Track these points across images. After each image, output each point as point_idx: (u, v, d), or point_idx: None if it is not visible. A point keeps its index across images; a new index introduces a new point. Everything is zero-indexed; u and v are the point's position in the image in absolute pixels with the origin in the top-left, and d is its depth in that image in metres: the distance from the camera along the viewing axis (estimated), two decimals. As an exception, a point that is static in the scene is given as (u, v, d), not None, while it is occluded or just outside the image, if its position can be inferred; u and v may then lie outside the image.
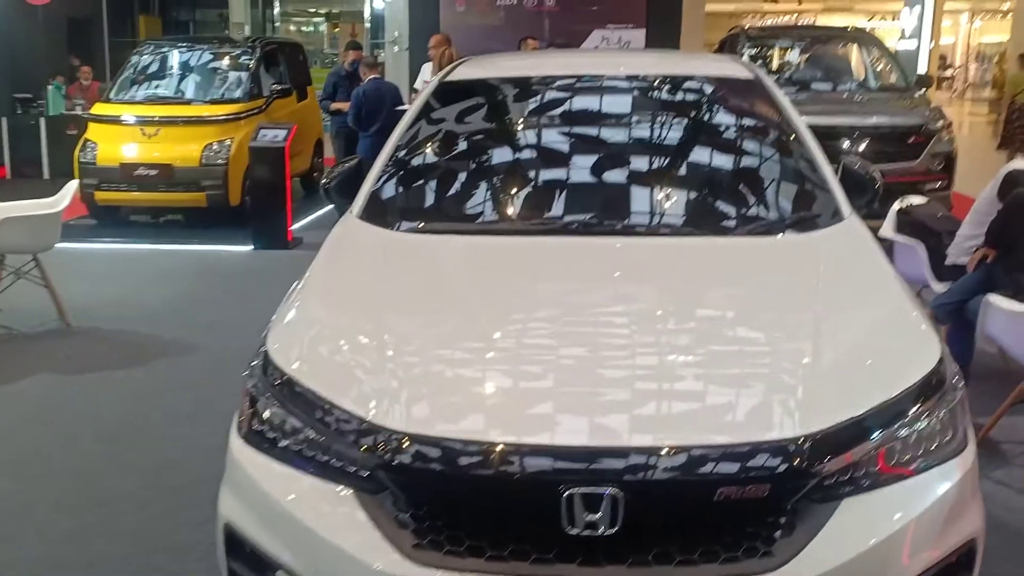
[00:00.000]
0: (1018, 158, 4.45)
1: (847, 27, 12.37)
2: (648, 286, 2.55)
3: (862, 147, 7.59)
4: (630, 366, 2.16)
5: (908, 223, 5.05)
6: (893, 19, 24.56)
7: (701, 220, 2.92)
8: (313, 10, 20.19)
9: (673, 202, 3.05)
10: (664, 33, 11.05)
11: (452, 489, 1.94)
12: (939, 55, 18.55)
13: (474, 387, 2.13)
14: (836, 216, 2.86)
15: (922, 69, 14.24)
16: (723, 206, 3.05)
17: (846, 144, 7.60)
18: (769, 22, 27.51)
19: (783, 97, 3.38)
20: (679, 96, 3.50)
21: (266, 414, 2.15)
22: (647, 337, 2.28)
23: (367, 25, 17.30)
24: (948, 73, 29.62)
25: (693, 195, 3.09)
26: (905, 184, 7.50)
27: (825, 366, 2.09)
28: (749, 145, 3.31)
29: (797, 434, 1.90)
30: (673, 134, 3.32)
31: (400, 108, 7.51)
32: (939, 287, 4.62)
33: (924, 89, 9.03)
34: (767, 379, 2.08)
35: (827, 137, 7.65)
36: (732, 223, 2.91)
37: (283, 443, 2.09)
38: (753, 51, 9.53)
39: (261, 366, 2.27)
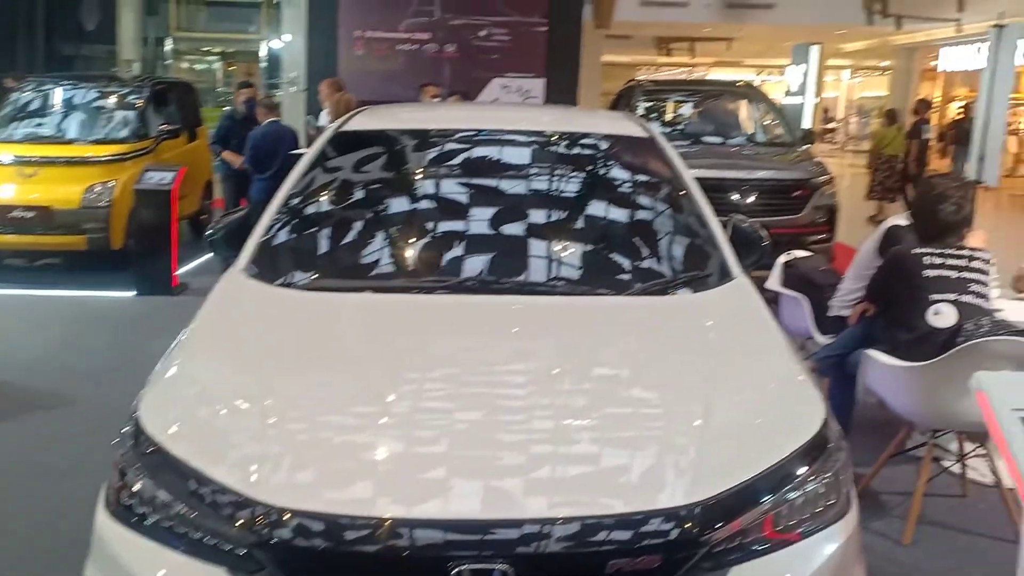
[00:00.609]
0: (898, 215, 4.64)
1: (737, 82, 12.86)
2: (542, 346, 2.53)
3: (750, 199, 7.85)
4: (524, 430, 2.12)
5: (793, 276, 5.20)
6: (780, 74, 25.77)
7: (595, 279, 2.92)
8: (207, 49, 19.82)
9: (568, 261, 3.05)
10: (563, 82, 11.27)
11: (336, 566, 1.85)
12: (823, 108, 19.59)
13: (361, 455, 2.05)
14: (726, 275, 2.92)
15: (807, 124, 14.94)
16: (617, 265, 3.07)
17: (735, 197, 7.85)
18: (664, 74, 28.53)
19: (676, 156, 3.46)
20: (575, 153, 3.54)
21: (136, 486, 2.02)
22: (540, 399, 2.25)
23: (262, 65, 17.06)
24: (831, 126, 31.22)
25: (588, 254, 3.10)
26: (790, 236, 7.80)
27: (716, 429, 2.11)
28: (643, 204, 3.36)
29: (690, 501, 1.90)
30: (569, 192, 3.35)
31: (296, 152, 7.38)
32: (822, 339, 4.76)
33: (808, 143, 9.45)
34: (660, 443, 2.08)
35: (717, 190, 7.96)
36: (626, 282, 2.93)
37: (153, 518, 1.96)
38: (648, 104, 9.81)
39: (132, 433, 2.14)
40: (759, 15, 15.65)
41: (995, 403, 2.04)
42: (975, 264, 3.79)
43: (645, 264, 3.07)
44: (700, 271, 2.99)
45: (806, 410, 2.24)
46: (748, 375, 2.39)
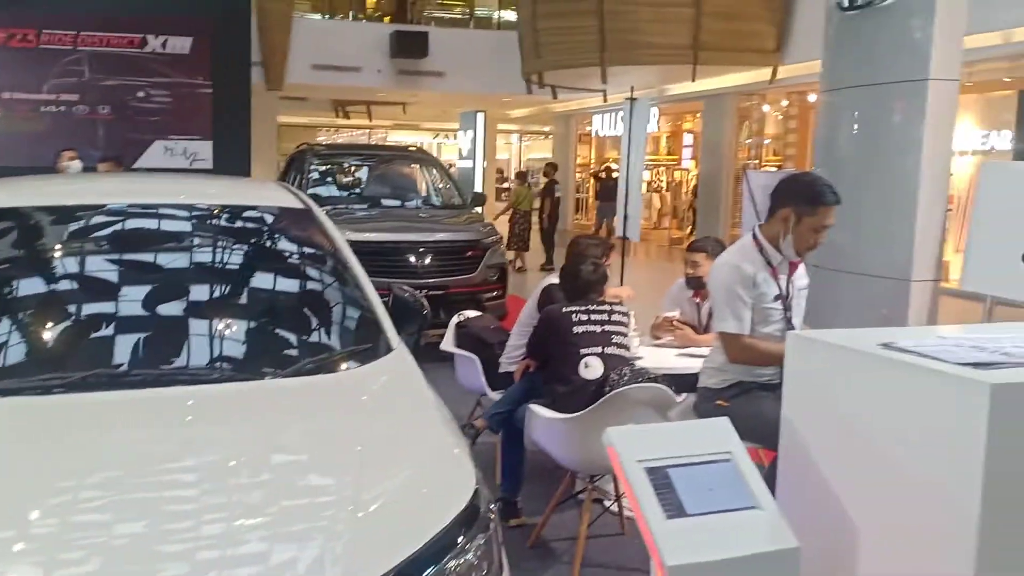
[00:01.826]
0: (551, 276, 4.98)
1: (410, 147, 13.35)
2: (194, 441, 2.35)
3: (427, 261, 8.08)
4: (191, 537, 1.95)
5: (465, 336, 5.39)
6: (455, 137, 27.06)
7: (246, 363, 2.79)
8: None
9: (215, 346, 2.88)
10: (234, 144, 10.91)
11: None
12: (497, 168, 20.87)
13: None
14: (384, 349, 2.90)
15: (478, 186, 15.77)
16: (271, 346, 2.95)
17: (413, 259, 8.04)
18: (342, 136, 28.77)
19: (332, 227, 3.42)
20: (223, 228, 3.38)
21: None
22: (182, 492, 2.10)
23: None
24: (505, 185, 33.27)
25: (237, 337, 2.95)
26: (466, 295, 8.13)
27: (373, 511, 2.07)
28: (299, 278, 3.28)
29: None
30: (218, 271, 3.18)
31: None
32: (495, 395, 4.96)
33: (479, 205, 9.94)
34: (323, 532, 2.00)
35: (395, 253, 8.15)
36: (280, 364, 2.81)
37: None
38: (322, 168, 9.79)
39: None
40: (430, 82, 16.33)
41: (622, 456, 2.20)
42: (615, 317, 4.16)
43: (301, 344, 2.99)
44: (359, 345, 2.96)
45: (458, 481, 2.27)
46: (403, 451, 2.39)
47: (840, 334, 2.69)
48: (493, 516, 2.24)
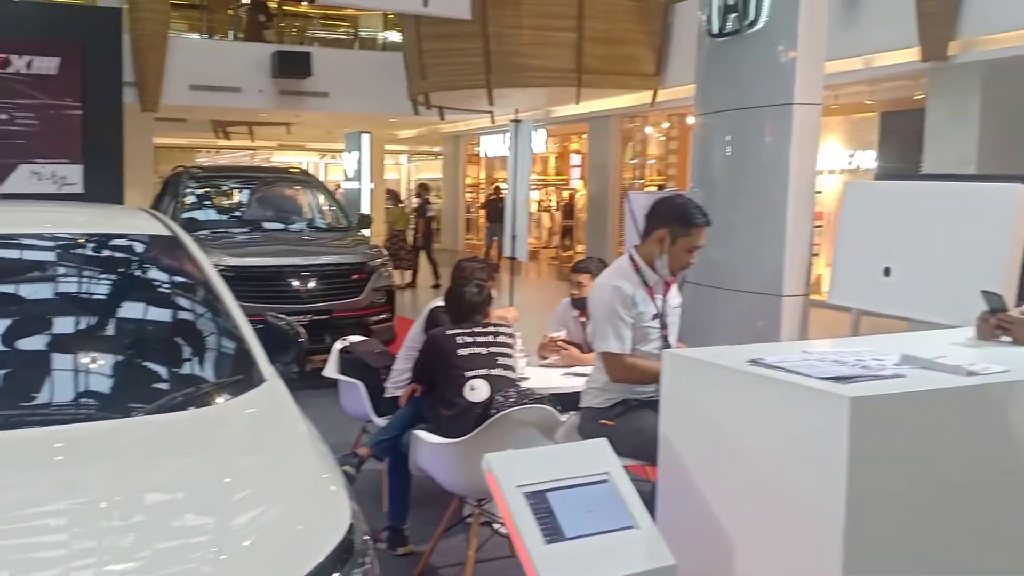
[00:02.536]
0: (437, 298, 4.94)
1: (292, 168, 13.08)
2: (61, 484, 2.21)
3: (312, 285, 7.91)
4: None
5: (349, 362, 5.29)
6: (341, 157, 26.72)
7: (112, 400, 2.65)
8: None
9: (80, 383, 2.73)
10: (106, 168, 10.42)
11: None
12: (388, 189, 20.75)
13: None
14: (256, 380, 2.80)
15: (365, 208, 15.59)
16: (138, 381, 2.81)
17: (297, 283, 7.86)
18: (223, 157, 28.02)
19: (201, 254, 3.30)
20: (87, 258, 3.21)
21: None
22: (49, 537, 2.00)
23: None
24: (400, 205, 33.06)
25: (103, 372, 2.81)
26: (353, 318, 8.00)
27: (242, 550, 2.00)
28: (165, 309, 3.14)
29: None
30: (82, 303, 3.01)
31: None
32: (381, 421, 4.87)
33: (365, 228, 9.82)
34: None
35: (277, 277, 7.96)
36: (147, 399, 2.68)
37: None
38: (199, 191, 9.48)
39: None
40: (313, 103, 16.08)
41: (501, 482, 2.19)
42: (500, 339, 4.16)
43: (171, 376, 2.86)
44: (230, 377, 2.85)
45: (332, 516, 2.21)
46: (275, 487, 2.31)
47: (712, 351, 2.76)
48: (370, 551, 2.19)
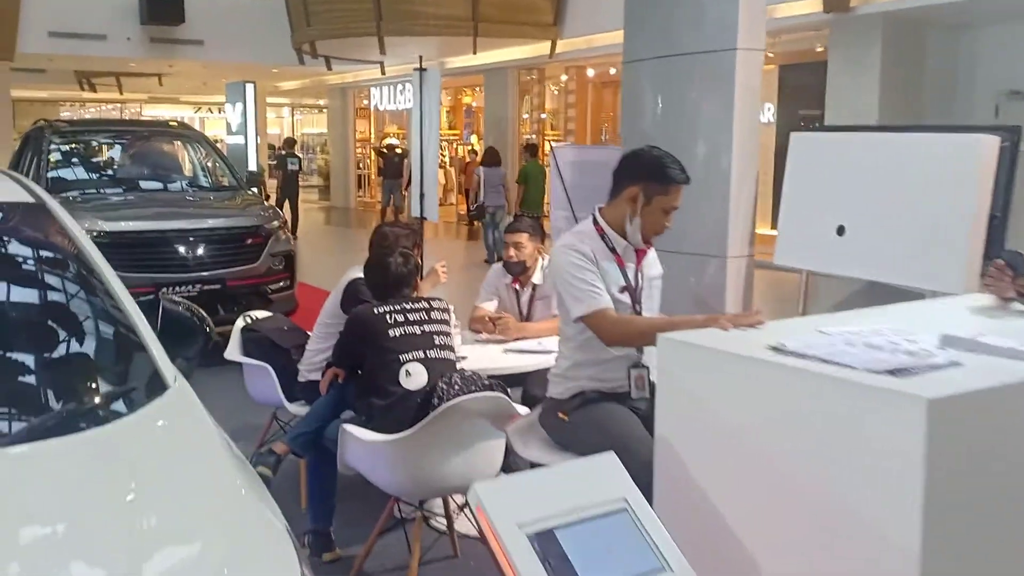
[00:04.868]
0: (355, 267, 4.36)
1: (171, 121, 11.95)
2: None
3: (201, 251, 7.14)
4: None
5: (254, 341, 4.66)
6: (220, 111, 25.20)
7: None
8: None
9: None
10: (-46, 124, 9.26)
11: None
12: (269, 144, 19.61)
13: None
14: (158, 387, 2.20)
15: (252, 165, 14.61)
16: (5, 399, 2.16)
17: (183, 250, 7.07)
18: (89, 111, 26.03)
19: (76, 227, 2.64)
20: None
21: None
22: None
23: None
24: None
25: None
26: (249, 287, 7.28)
27: None
28: (32, 301, 2.47)
29: None
30: None
31: None
32: (295, 408, 4.30)
33: (255, 186, 9.01)
34: None
35: (161, 244, 7.12)
36: (20, 422, 2.06)
37: None
38: (64, 147, 8.46)
39: None
40: (187, 51, 14.89)
41: (495, 520, 1.70)
42: (435, 315, 3.64)
43: (54, 390, 2.21)
44: (121, 388, 2.24)
45: (281, 561, 1.69)
46: (187, 511, 1.77)
47: (718, 335, 2.34)
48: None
